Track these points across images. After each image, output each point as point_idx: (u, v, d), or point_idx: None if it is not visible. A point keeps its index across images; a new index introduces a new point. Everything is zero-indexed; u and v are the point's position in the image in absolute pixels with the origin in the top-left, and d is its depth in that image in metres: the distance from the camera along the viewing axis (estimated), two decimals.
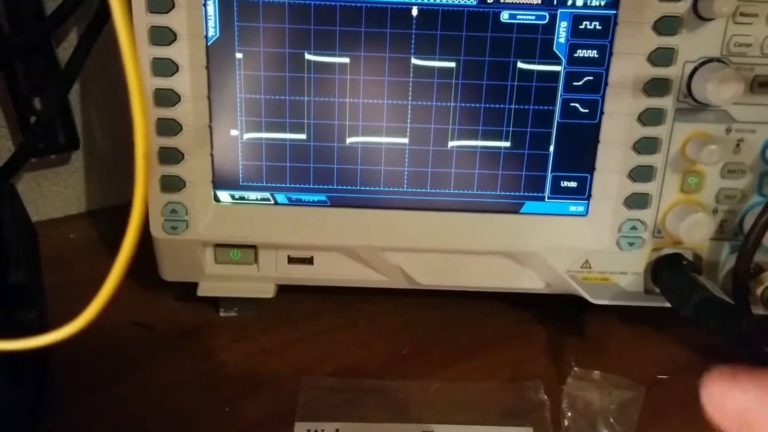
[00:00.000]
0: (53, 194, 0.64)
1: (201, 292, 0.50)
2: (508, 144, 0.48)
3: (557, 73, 0.46)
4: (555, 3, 0.44)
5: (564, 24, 0.45)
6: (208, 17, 0.44)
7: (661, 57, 0.43)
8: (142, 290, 0.54)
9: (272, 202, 0.49)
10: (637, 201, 0.47)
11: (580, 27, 0.45)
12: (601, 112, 0.47)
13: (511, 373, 0.48)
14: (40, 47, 0.54)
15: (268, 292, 0.51)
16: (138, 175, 0.19)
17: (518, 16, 0.44)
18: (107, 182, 0.66)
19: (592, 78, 0.46)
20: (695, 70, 0.44)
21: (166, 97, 0.44)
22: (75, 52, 0.53)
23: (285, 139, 0.47)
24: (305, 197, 0.49)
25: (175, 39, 0.43)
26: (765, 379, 0.16)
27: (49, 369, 0.45)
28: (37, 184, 0.63)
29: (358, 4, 0.44)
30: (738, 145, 0.46)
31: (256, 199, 0.49)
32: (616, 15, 0.44)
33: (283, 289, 0.52)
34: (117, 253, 0.61)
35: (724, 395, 0.17)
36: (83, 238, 0.62)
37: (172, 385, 0.45)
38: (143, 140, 0.18)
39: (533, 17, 0.44)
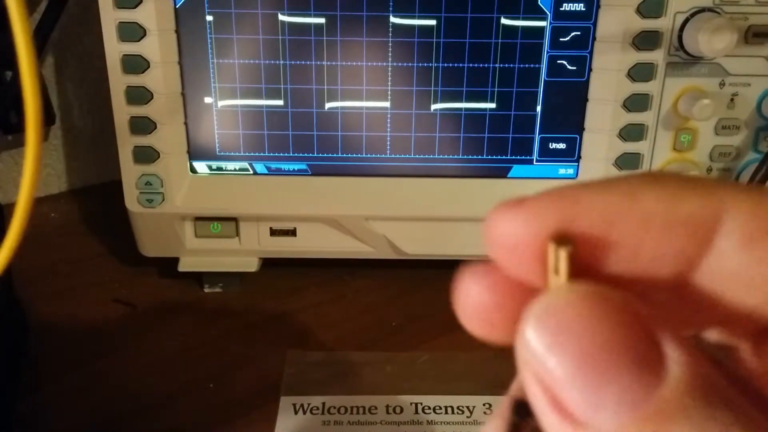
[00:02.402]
0: None
1: (182, 267, 0.49)
2: (493, 105, 0.46)
3: (543, 28, 0.44)
4: None
5: None
6: None
7: (651, 8, 0.42)
8: (124, 267, 0.53)
9: (251, 172, 0.48)
10: (629, 161, 0.45)
11: None
12: (590, 69, 0.45)
13: None
14: (7, 18, 0.52)
15: (251, 266, 0.50)
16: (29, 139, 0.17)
17: None
18: (88, 160, 0.64)
19: (579, 33, 0.44)
20: (686, 21, 0.42)
21: (134, 64, 0.42)
22: (41, 20, 0.51)
23: (261, 106, 0.45)
24: (285, 166, 0.47)
25: (141, 2, 0.41)
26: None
27: (27, 348, 0.44)
28: (15, 163, 0.61)
29: None
30: (732, 99, 0.44)
31: (235, 170, 0.47)
32: None
33: (267, 264, 0.51)
34: (98, 232, 0.60)
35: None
36: (64, 218, 0.61)
37: (156, 361, 0.45)
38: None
39: None
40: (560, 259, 0.13)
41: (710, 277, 0.13)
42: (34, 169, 0.17)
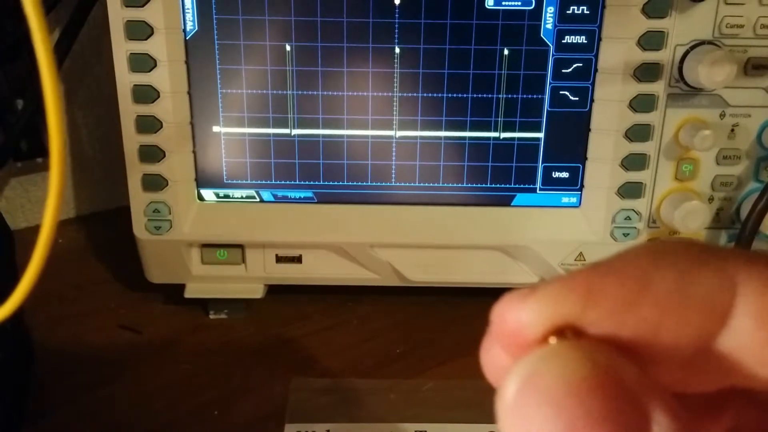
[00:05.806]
0: (41, 199, 0.63)
1: (188, 293, 0.49)
2: (497, 135, 0.47)
3: (545, 60, 0.45)
4: None
5: (551, 9, 0.44)
6: (186, 10, 0.43)
7: (651, 40, 0.42)
8: (130, 293, 0.53)
9: (258, 199, 0.48)
10: (631, 190, 0.46)
11: (568, 12, 0.44)
12: (592, 100, 0.45)
13: None
14: (19, 48, 0.53)
15: (256, 292, 0.50)
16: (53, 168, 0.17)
17: (503, 2, 0.43)
18: (96, 186, 0.65)
19: (581, 64, 0.45)
20: (686, 53, 0.43)
21: (144, 94, 0.43)
22: (54, 49, 0.52)
23: (269, 135, 0.46)
24: (291, 194, 0.48)
25: (152, 33, 0.42)
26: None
27: (33, 373, 0.44)
28: (25, 190, 0.62)
29: None
30: (733, 130, 0.45)
31: (241, 197, 0.48)
32: None
33: (272, 290, 0.51)
34: (105, 258, 0.60)
35: None
36: (72, 244, 0.61)
37: (160, 388, 0.44)
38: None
39: (519, 3, 0.43)
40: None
41: (728, 349, 0.13)
42: (53, 217, 0.17)
